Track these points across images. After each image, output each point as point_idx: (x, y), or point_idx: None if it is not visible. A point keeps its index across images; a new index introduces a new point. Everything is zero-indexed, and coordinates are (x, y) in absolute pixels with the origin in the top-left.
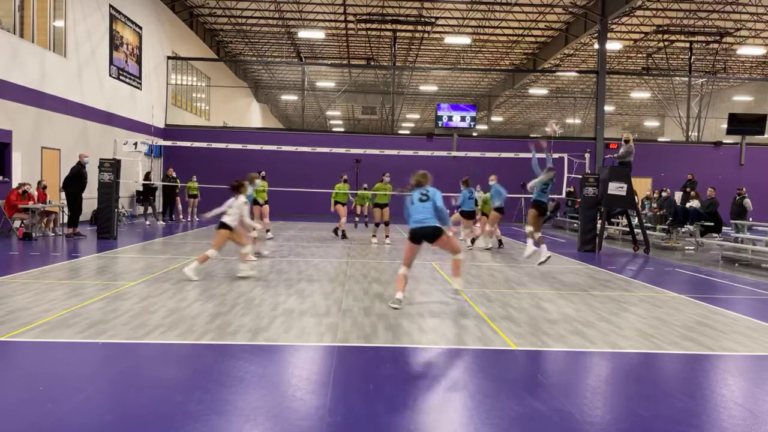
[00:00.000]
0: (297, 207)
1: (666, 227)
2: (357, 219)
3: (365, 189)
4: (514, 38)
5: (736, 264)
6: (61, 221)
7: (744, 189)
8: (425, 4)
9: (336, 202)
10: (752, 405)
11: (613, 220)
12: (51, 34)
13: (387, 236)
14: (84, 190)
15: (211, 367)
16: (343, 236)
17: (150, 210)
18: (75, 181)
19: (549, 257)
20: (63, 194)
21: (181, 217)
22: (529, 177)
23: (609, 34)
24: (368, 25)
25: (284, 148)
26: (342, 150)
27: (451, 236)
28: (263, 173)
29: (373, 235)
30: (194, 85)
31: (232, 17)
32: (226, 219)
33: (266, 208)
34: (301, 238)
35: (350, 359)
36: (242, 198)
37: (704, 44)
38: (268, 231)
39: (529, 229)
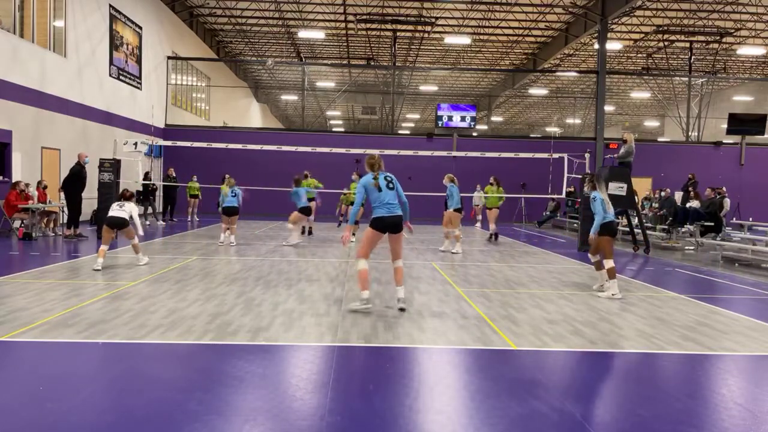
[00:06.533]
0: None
1: (666, 227)
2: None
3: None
4: (514, 38)
5: (736, 264)
6: (61, 221)
7: (724, 188)
8: (425, 4)
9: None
10: (752, 405)
11: None
12: (51, 34)
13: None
14: (83, 190)
15: (211, 367)
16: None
17: (150, 210)
18: (74, 182)
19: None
20: (62, 194)
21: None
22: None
23: (609, 34)
24: (368, 25)
25: (284, 148)
26: (342, 150)
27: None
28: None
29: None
30: (194, 85)
31: (232, 17)
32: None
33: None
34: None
35: (350, 359)
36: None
37: (704, 44)
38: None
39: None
